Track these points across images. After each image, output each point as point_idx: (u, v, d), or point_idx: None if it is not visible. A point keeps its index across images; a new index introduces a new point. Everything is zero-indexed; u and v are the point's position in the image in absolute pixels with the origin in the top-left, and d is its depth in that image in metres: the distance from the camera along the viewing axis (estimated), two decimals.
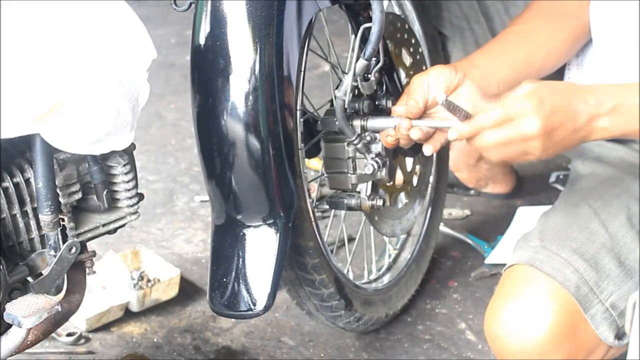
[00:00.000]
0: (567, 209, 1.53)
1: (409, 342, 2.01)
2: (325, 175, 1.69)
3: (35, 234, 1.37)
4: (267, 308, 1.53)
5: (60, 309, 1.32)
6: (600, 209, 1.50)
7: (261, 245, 1.55)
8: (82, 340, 2.00)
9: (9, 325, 1.32)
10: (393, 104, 1.74)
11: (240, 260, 1.55)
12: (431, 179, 2.08)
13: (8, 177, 1.32)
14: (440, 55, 2.08)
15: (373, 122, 1.59)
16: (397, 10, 1.96)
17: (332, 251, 1.79)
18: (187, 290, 2.16)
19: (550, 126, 1.28)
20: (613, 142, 1.63)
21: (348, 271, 1.92)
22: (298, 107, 1.55)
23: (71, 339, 1.98)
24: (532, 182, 2.61)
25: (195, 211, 2.51)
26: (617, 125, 1.34)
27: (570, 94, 1.31)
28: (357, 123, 1.62)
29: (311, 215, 1.66)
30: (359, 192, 1.67)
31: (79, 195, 1.38)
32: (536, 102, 1.28)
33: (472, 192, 2.54)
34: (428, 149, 1.48)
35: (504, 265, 2.18)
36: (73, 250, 1.37)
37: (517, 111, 1.29)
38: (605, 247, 1.44)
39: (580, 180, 1.63)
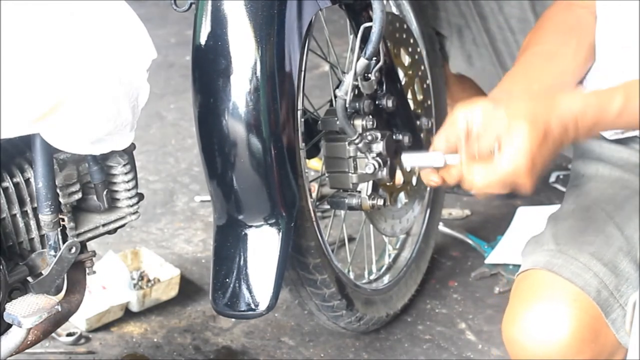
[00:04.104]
0: (578, 212, 1.52)
1: (409, 342, 2.01)
2: (326, 174, 1.69)
3: (35, 234, 1.36)
4: (269, 308, 1.53)
5: (60, 309, 1.32)
6: (614, 212, 1.49)
7: (263, 246, 1.55)
8: (82, 340, 2.00)
9: (9, 325, 1.32)
10: (393, 104, 1.74)
11: (243, 260, 1.55)
12: None
13: (8, 177, 1.32)
14: (438, 55, 2.08)
15: (410, 159, 1.41)
16: (395, 10, 1.96)
17: (332, 251, 1.79)
18: (187, 290, 2.16)
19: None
20: (614, 142, 1.63)
21: (349, 271, 1.92)
22: (299, 107, 1.55)
23: (71, 339, 1.98)
24: None
25: (195, 211, 2.51)
26: (591, 134, 1.39)
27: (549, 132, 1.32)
28: (358, 122, 1.62)
29: (312, 215, 1.66)
30: (359, 192, 1.67)
31: (79, 195, 1.38)
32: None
33: (472, 192, 2.54)
34: None
35: (504, 265, 2.20)
36: (73, 250, 1.37)
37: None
38: (622, 250, 1.43)
39: (585, 181, 1.62)
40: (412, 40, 1.89)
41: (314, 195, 1.76)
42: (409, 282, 2.08)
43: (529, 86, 1.53)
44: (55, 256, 1.36)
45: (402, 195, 1.86)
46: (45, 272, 1.38)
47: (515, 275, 1.49)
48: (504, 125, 1.32)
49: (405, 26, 1.86)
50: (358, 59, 1.53)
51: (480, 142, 1.33)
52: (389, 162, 1.67)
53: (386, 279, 2.05)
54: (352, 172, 1.65)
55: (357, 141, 1.61)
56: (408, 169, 1.55)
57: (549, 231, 1.51)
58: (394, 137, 1.76)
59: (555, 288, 1.39)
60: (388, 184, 1.77)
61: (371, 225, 1.85)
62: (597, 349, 1.38)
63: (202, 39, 1.48)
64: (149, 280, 2.15)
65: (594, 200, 1.53)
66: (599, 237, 1.44)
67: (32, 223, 1.36)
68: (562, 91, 1.37)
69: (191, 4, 1.51)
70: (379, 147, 1.64)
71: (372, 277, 2.03)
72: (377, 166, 1.64)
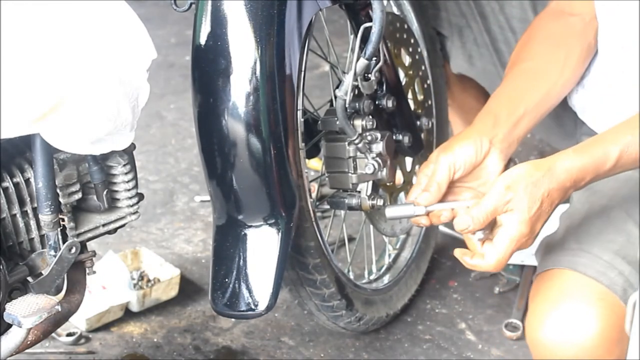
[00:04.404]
0: (594, 211, 1.51)
1: (409, 342, 2.01)
2: (326, 175, 1.69)
3: (35, 234, 1.36)
4: (269, 308, 1.53)
5: (60, 309, 1.32)
6: (632, 209, 1.48)
7: (263, 246, 1.54)
8: (82, 340, 2.00)
9: (9, 325, 1.32)
10: (393, 104, 1.74)
11: (242, 260, 1.55)
12: None
13: (8, 177, 1.32)
14: (439, 55, 2.08)
15: (392, 212, 1.55)
16: (395, 10, 1.96)
17: (332, 251, 1.79)
18: (187, 290, 2.16)
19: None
20: None
21: (348, 271, 1.92)
22: (299, 107, 1.55)
23: (71, 339, 1.98)
24: None
25: (195, 211, 2.51)
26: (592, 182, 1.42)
27: (546, 195, 1.37)
28: (358, 122, 1.62)
29: (312, 215, 1.66)
30: (359, 192, 1.67)
31: (79, 195, 1.38)
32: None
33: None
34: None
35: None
36: (73, 250, 1.37)
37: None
38: None
39: None
40: (412, 40, 1.88)
41: (313, 195, 1.76)
42: (409, 282, 2.08)
43: (515, 109, 1.55)
44: (55, 256, 1.36)
45: (402, 195, 1.86)
46: (45, 272, 1.38)
47: (534, 276, 1.48)
48: (503, 199, 1.37)
49: (405, 26, 1.86)
50: (358, 59, 1.53)
51: (475, 215, 1.39)
52: (388, 163, 1.67)
53: (386, 279, 2.05)
54: (352, 172, 1.65)
55: (357, 141, 1.61)
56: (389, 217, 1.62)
57: (565, 230, 1.50)
58: (394, 137, 1.76)
59: (580, 287, 1.38)
60: (388, 184, 1.77)
61: (371, 225, 1.85)
62: (625, 349, 1.37)
63: (202, 39, 1.48)
64: (149, 280, 2.15)
65: (609, 199, 1.52)
66: (621, 236, 1.44)
67: (32, 223, 1.36)
68: (559, 156, 1.41)
69: (191, 4, 1.51)
70: (378, 147, 1.64)
71: (372, 277, 2.03)
72: (377, 166, 1.64)
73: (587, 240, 1.44)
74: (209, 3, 1.47)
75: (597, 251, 1.41)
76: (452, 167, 1.49)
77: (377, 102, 1.72)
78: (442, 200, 1.51)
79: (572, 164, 1.38)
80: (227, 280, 1.55)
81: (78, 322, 1.99)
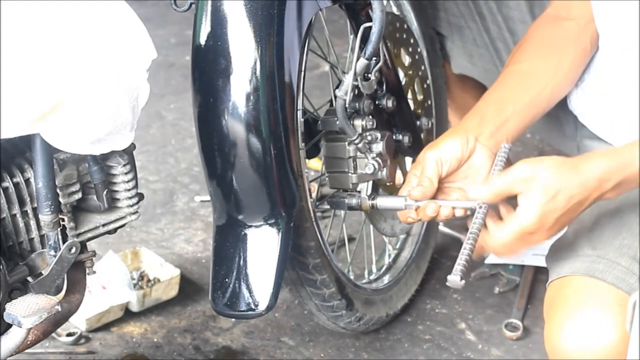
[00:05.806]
0: (606, 215, 1.48)
1: (409, 342, 2.01)
2: (326, 174, 1.70)
3: (35, 234, 1.36)
4: (269, 308, 1.53)
5: (60, 309, 1.32)
6: None
7: (263, 246, 1.55)
8: (82, 340, 2.00)
9: (9, 325, 1.32)
10: (393, 104, 1.74)
11: (242, 260, 1.55)
12: None
13: (8, 177, 1.32)
14: (439, 55, 2.08)
15: (383, 202, 1.60)
16: (395, 10, 1.96)
17: (332, 251, 1.79)
18: (187, 290, 2.16)
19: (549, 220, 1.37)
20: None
21: (348, 271, 1.92)
22: (299, 107, 1.55)
23: (71, 339, 1.98)
24: None
25: (195, 211, 2.51)
26: (620, 192, 1.39)
27: (572, 186, 1.35)
28: (358, 123, 1.62)
29: (312, 215, 1.66)
30: (359, 192, 1.67)
31: (79, 195, 1.38)
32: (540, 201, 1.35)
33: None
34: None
35: (504, 265, 2.19)
36: (73, 250, 1.37)
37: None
38: None
39: None
40: (412, 40, 1.89)
41: (313, 195, 1.76)
42: (409, 282, 2.08)
43: (502, 109, 1.56)
44: (55, 256, 1.36)
45: None
46: (45, 272, 1.38)
47: (547, 284, 1.47)
48: (520, 178, 1.36)
49: (405, 26, 1.86)
50: (358, 59, 1.53)
51: (489, 188, 1.40)
52: (388, 163, 1.67)
53: (386, 279, 2.05)
54: (352, 172, 1.65)
55: (357, 141, 1.61)
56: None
57: (574, 235, 1.49)
58: (394, 137, 1.76)
59: (600, 294, 1.37)
60: (388, 184, 1.77)
61: (371, 225, 1.85)
62: None
63: (202, 39, 1.48)
64: (149, 280, 2.15)
65: (619, 203, 1.51)
66: (637, 240, 1.43)
67: (32, 223, 1.36)
68: (585, 155, 1.40)
69: (191, 4, 1.51)
70: (378, 147, 1.64)
71: (372, 277, 2.04)
72: (377, 166, 1.64)
73: (601, 246, 1.43)
74: (209, 3, 1.47)
75: (613, 257, 1.40)
76: (439, 162, 1.49)
77: (377, 102, 1.72)
78: (433, 198, 1.52)
79: (598, 163, 1.36)
80: (227, 280, 1.55)
81: (78, 322, 1.99)
